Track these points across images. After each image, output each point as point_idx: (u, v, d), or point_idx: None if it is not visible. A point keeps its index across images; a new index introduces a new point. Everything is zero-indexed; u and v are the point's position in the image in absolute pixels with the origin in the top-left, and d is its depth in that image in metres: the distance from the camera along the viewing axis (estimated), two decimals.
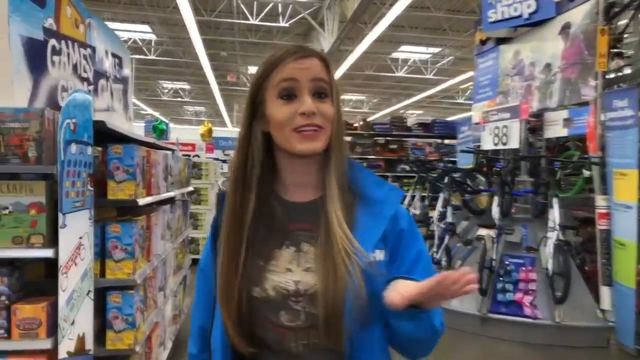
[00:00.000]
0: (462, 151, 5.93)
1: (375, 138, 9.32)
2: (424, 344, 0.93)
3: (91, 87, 3.05)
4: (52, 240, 1.88)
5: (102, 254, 2.24)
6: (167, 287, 3.30)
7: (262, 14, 12.08)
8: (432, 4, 11.15)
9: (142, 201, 2.37)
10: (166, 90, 23.95)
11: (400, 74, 17.49)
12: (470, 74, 14.70)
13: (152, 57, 16.25)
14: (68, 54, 2.71)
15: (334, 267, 0.87)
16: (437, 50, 15.33)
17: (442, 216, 5.48)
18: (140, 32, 14.69)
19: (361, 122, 9.59)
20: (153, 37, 15.29)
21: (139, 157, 2.40)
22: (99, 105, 3.24)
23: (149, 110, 26.30)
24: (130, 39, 14.57)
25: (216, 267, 0.96)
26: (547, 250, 4.32)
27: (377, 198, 0.96)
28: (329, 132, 0.92)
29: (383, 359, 0.95)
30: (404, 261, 0.94)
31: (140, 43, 15.40)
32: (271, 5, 11.85)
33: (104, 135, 2.27)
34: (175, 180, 3.64)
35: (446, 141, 9.73)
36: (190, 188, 4.52)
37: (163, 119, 16.04)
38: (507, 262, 4.53)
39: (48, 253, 1.85)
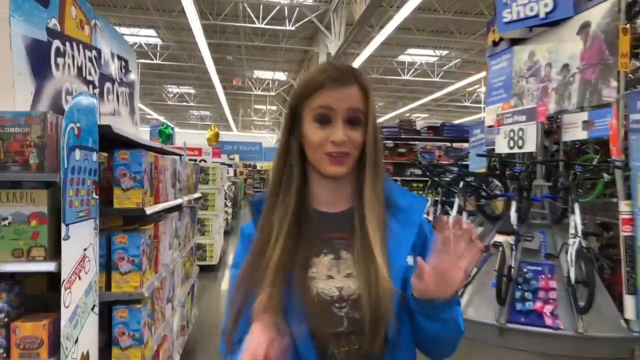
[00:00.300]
0: (478, 155, 5.77)
1: (384, 142, 9.19)
2: (449, 344, 0.98)
3: (96, 91, 2.94)
4: (55, 252, 1.75)
5: (107, 265, 2.13)
6: (175, 298, 3.18)
7: (268, 18, 12.02)
8: (439, 6, 11.04)
9: (149, 210, 2.25)
10: (171, 95, 23.99)
11: (407, 77, 17.42)
12: (477, 76, 14.60)
13: (157, 61, 16.27)
14: (73, 56, 2.60)
15: (375, 271, 0.90)
16: (444, 53, 15.23)
17: None
18: (145, 36, 14.70)
19: None
20: (159, 41, 15.31)
21: (147, 163, 2.28)
22: (104, 109, 3.13)
23: (155, 115, 26.37)
24: (136, 43, 14.57)
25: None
26: (569, 258, 4.16)
27: (403, 207, 1.01)
28: (355, 157, 0.97)
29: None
30: None
31: (145, 47, 15.41)
32: (277, 8, 11.78)
33: (110, 141, 2.16)
34: (183, 186, 3.52)
35: (455, 144, 9.60)
36: (198, 194, 4.40)
37: (169, 123, 16.01)
38: (525, 270, 4.37)
39: (50, 267, 1.72)
